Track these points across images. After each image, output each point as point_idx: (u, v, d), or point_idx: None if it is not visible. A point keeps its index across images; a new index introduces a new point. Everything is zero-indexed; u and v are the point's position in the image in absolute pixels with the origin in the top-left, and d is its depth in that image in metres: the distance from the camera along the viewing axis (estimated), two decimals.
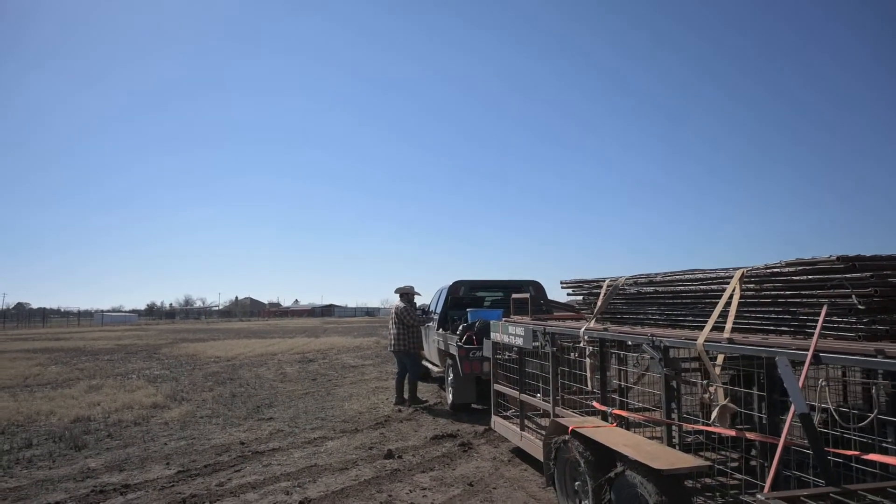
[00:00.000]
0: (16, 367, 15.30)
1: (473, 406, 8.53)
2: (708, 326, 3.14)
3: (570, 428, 3.83)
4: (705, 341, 3.07)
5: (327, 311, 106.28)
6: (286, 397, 9.94)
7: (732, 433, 2.94)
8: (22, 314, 67.10)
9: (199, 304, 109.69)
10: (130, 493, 4.97)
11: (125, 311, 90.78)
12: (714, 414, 2.87)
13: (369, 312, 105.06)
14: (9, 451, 6.41)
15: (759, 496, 1.74)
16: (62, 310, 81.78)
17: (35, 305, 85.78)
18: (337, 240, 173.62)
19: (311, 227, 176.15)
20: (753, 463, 3.64)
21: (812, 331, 3.02)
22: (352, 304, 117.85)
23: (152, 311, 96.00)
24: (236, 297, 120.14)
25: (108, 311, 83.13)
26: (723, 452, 4.30)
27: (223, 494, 4.89)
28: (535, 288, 9.98)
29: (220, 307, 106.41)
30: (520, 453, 5.96)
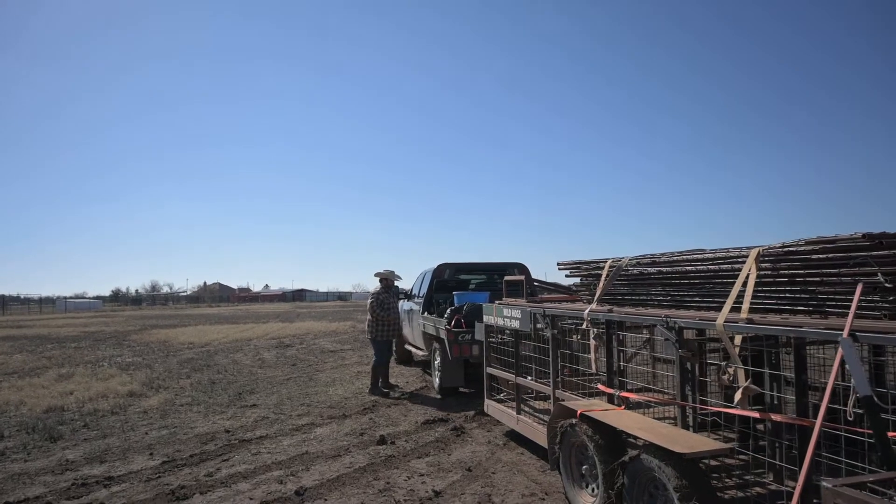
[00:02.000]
0: None
1: (461, 390, 8.46)
2: (727, 306, 3.07)
3: (579, 411, 3.76)
4: (725, 322, 3.01)
5: (299, 295, 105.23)
6: (267, 383, 9.72)
7: (756, 415, 2.89)
8: None
9: (166, 289, 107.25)
10: (115, 486, 4.75)
11: (89, 298, 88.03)
12: (737, 395, 2.81)
13: (341, 297, 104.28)
14: None
15: (824, 483, 1.67)
16: (22, 297, 79.02)
17: None
18: (307, 224, 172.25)
19: (280, 213, 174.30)
20: (761, 443, 3.62)
21: (832, 310, 2.98)
22: (323, 289, 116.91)
23: (117, 298, 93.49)
24: (205, 283, 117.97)
25: (71, 297, 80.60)
26: (718, 433, 4.29)
27: (213, 485, 4.71)
28: (520, 270, 9.91)
29: (189, 293, 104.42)
30: (514, 437, 5.90)
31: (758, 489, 3.50)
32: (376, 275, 9.12)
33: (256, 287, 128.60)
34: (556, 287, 6.00)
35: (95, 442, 6.14)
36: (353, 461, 5.28)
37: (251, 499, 4.37)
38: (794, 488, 3.07)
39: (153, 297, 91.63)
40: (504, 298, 6.21)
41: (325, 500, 4.34)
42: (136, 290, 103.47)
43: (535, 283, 10.25)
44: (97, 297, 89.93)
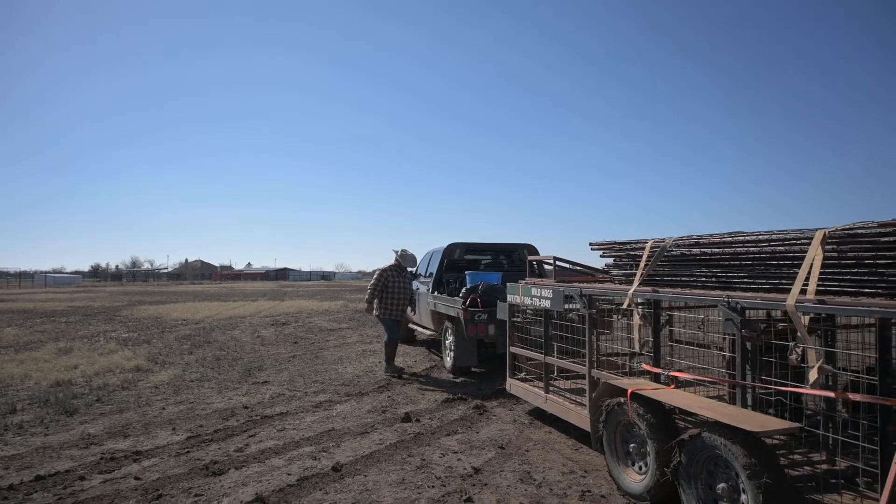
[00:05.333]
0: None
1: (472, 369, 8.47)
2: (796, 287, 3.08)
3: (630, 390, 3.77)
4: (796, 302, 3.01)
5: (282, 274, 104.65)
6: (273, 360, 9.64)
7: (832, 394, 2.91)
8: None
9: (146, 266, 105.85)
10: (144, 460, 4.68)
11: (68, 273, 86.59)
12: (812, 375, 2.82)
13: (325, 276, 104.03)
14: None
15: None
16: None
17: None
18: (288, 204, 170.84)
19: (260, 192, 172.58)
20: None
21: None
22: (306, 268, 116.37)
23: (97, 273, 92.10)
24: (186, 260, 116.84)
25: (49, 272, 79.10)
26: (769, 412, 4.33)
27: (246, 460, 4.66)
28: (530, 250, 9.91)
29: (170, 269, 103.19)
30: (538, 415, 5.93)
31: (806, 468, 3.55)
32: (394, 251, 8.78)
33: (238, 265, 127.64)
34: (584, 267, 5.96)
35: (113, 416, 6.04)
36: (382, 438, 5.26)
37: (289, 474, 4.33)
38: (846, 468, 3.12)
39: (133, 274, 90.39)
40: (527, 278, 6.19)
41: (365, 476, 4.32)
42: (117, 266, 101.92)
43: (559, 263, 10.28)
44: (76, 273, 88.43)
